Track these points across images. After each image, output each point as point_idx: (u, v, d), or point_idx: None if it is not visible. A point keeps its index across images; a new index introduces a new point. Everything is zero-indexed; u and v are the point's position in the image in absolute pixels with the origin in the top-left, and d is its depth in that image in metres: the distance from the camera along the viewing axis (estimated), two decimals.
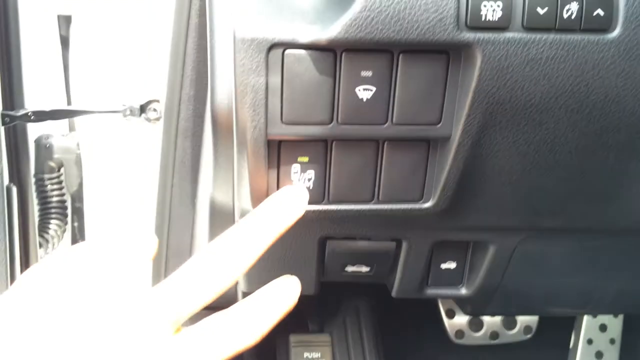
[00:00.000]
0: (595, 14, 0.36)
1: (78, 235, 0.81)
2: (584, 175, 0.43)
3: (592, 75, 0.38)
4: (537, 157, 0.42)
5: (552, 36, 0.37)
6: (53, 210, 0.75)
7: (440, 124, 0.40)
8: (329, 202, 0.43)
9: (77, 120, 0.76)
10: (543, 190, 0.44)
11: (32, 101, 0.74)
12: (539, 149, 0.41)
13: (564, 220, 0.48)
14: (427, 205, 0.44)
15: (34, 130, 0.74)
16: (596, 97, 0.39)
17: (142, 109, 0.69)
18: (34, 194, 0.75)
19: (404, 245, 0.51)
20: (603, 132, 0.40)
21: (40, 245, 0.72)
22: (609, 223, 0.48)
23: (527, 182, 0.44)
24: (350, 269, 0.54)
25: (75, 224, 0.80)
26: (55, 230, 0.75)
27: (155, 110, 0.70)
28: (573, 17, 0.36)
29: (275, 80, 0.38)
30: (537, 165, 0.42)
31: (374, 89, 0.39)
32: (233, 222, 0.49)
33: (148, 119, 0.70)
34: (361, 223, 0.48)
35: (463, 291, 0.56)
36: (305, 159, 0.42)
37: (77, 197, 0.77)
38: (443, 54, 0.38)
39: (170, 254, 0.66)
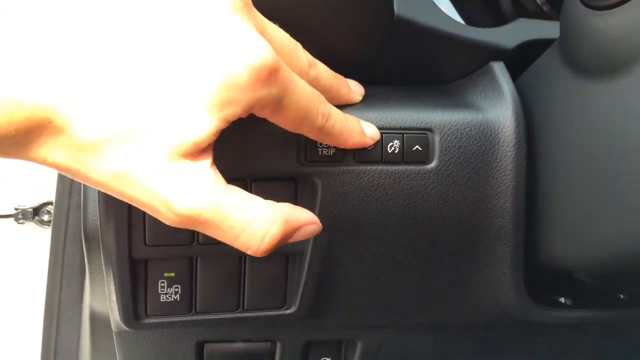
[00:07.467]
0: (414, 148, 0.43)
1: None
2: (427, 280, 0.49)
3: (417, 199, 0.44)
4: (382, 266, 0.47)
5: (380, 167, 0.43)
6: None
7: None
8: (197, 313, 0.46)
9: None
10: (394, 293, 0.49)
11: None
12: (383, 259, 0.47)
13: (419, 318, 0.53)
14: (290, 311, 0.48)
15: None
16: (423, 217, 0.44)
17: (36, 211, 0.71)
18: None
19: (278, 345, 0.54)
20: (434, 244, 0.46)
21: None
22: (462, 318, 0.53)
23: (378, 287, 0.48)
24: None
25: None
26: None
27: (49, 212, 0.71)
28: (396, 151, 0.43)
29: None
30: (384, 273, 0.47)
31: None
32: (112, 332, 0.51)
33: (42, 221, 0.71)
34: (234, 327, 0.51)
35: None
36: (172, 275, 0.45)
37: None
38: (291, 180, 0.43)
39: (59, 358, 0.66)
